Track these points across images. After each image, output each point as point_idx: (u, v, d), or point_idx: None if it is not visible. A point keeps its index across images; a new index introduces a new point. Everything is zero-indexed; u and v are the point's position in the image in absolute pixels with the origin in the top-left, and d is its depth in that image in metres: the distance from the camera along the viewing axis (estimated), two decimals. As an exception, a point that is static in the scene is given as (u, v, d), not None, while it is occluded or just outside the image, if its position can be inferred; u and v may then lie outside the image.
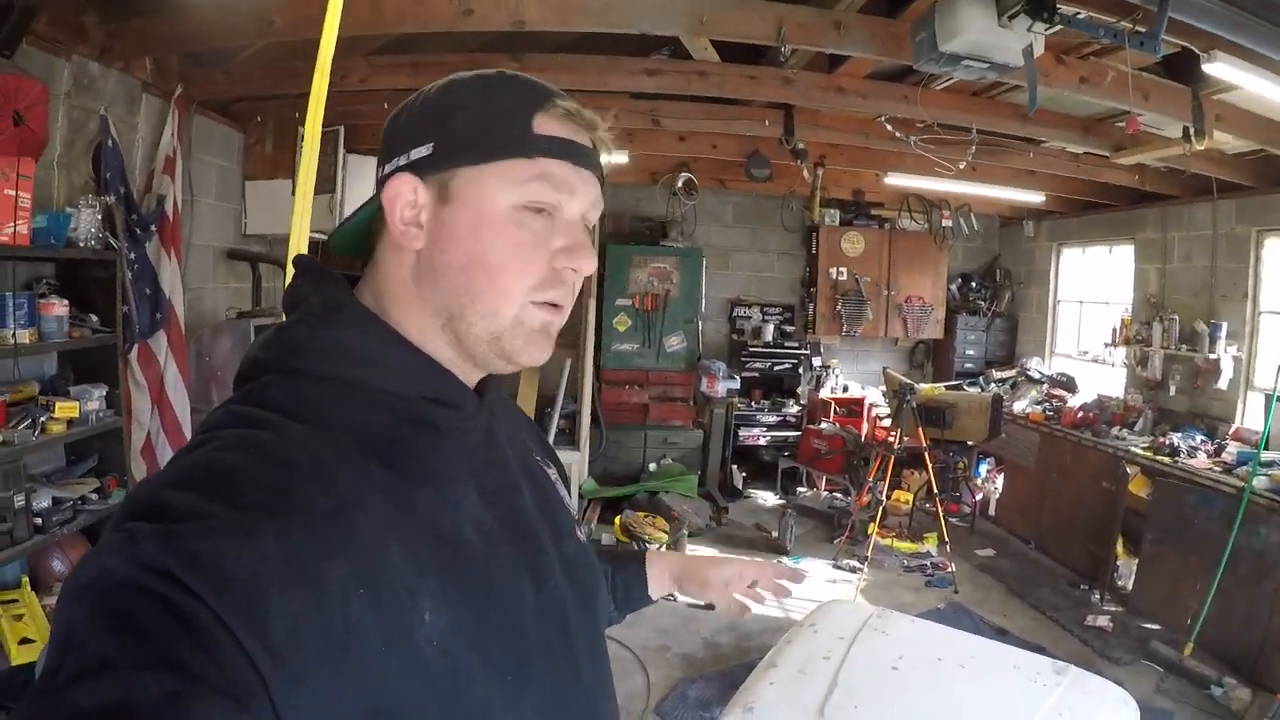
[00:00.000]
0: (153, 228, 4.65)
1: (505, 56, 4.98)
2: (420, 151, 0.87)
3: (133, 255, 4.43)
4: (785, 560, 6.42)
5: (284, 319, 0.91)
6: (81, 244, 3.84)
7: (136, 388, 4.60)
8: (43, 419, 3.61)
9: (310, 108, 2.78)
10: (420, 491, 0.82)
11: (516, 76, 0.92)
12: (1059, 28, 3.32)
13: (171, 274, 4.84)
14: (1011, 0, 3.27)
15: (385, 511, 0.77)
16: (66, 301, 3.76)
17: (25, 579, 3.64)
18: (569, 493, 1.18)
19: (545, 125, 0.88)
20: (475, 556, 0.84)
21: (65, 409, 3.73)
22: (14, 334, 3.40)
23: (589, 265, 0.91)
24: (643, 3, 4.00)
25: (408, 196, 0.87)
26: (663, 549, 5.97)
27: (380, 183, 0.90)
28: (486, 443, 0.95)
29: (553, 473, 1.12)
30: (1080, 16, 3.38)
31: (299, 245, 2.88)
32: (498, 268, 0.86)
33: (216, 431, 0.78)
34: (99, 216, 3.94)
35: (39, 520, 3.58)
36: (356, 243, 0.97)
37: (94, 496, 3.95)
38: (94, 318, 3.99)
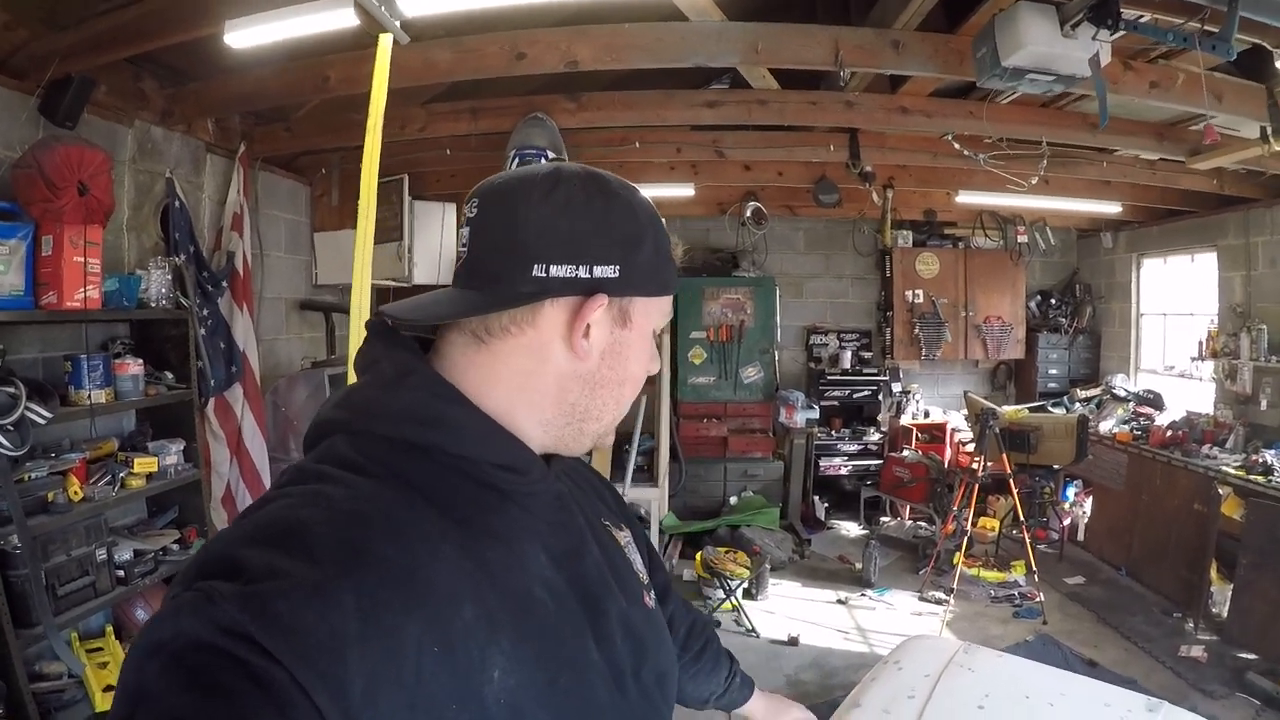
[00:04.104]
0: (224, 283, 4.79)
1: (562, 96, 5.04)
2: (606, 271, 0.87)
3: (205, 311, 4.56)
4: (870, 593, 6.29)
5: (354, 381, 0.93)
6: (153, 304, 3.98)
7: (215, 439, 4.73)
8: (122, 475, 3.74)
9: (365, 166, 2.83)
10: (490, 550, 0.82)
11: (650, 203, 0.95)
12: (1124, 34, 3.20)
13: (245, 327, 4.97)
14: (1074, 8, 3.16)
15: (458, 567, 0.77)
16: (141, 360, 3.89)
17: (109, 628, 3.77)
18: (643, 551, 1.19)
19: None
20: (546, 617, 0.84)
21: (144, 464, 3.85)
22: (89, 394, 3.52)
23: (658, 369, 1.01)
24: (695, 35, 3.98)
25: (597, 315, 0.88)
26: (744, 585, 5.89)
27: (539, 284, 0.85)
28: (554, 507, 0.95)
29: (624, 536, 1.13)
30: (1145, 21, 3.25)
31: (361, 301, 2.92)
32: (639, 383, 0.96)
33: (287, 488, 0.79)
34: (169, 277, 4.08)
35: (121, 572, 3.70)
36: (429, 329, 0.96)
37: (175, 547, 4.05)
38: (169, 375, 4.11)
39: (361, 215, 2.85)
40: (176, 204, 4.39)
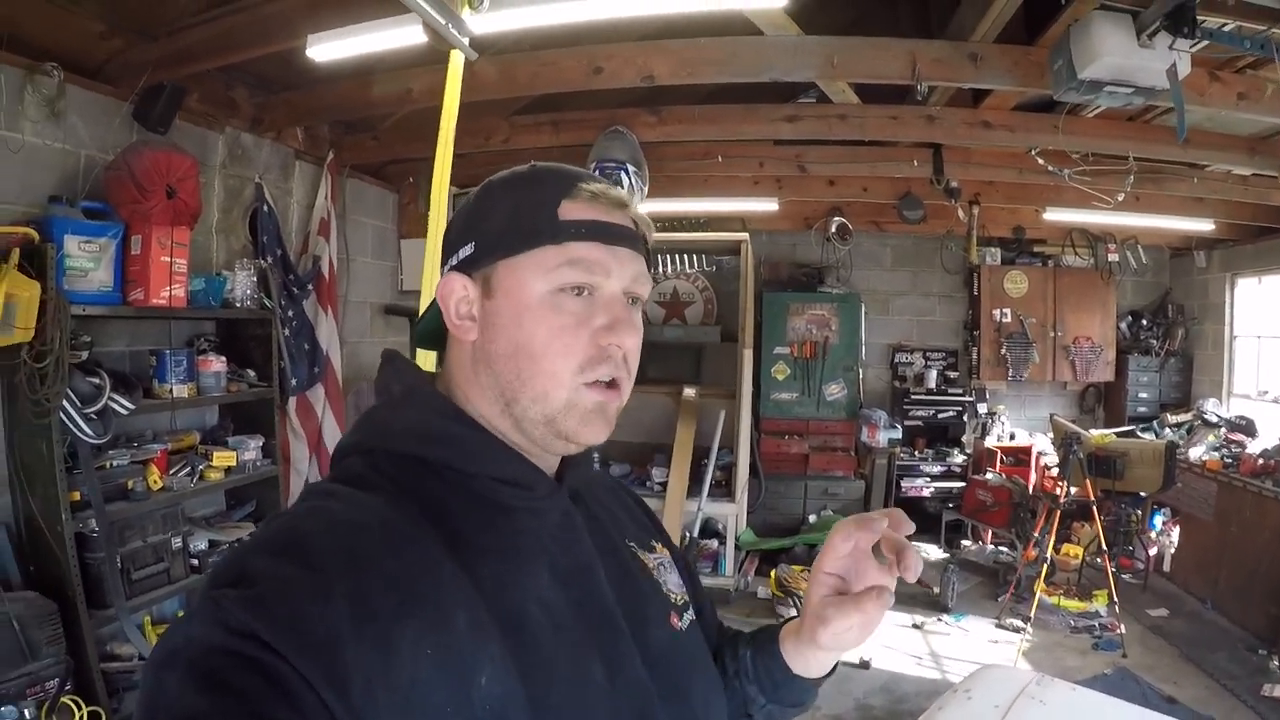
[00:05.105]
0: (309, 286, 4.96)
1: (643, 110, 5.08)
2: (466, 251, 0.93)
3: (290, 313, 4.73)
4: (946, 618, 6.12)
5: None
6: (238, 304, 4.15)
7: (295, 437, 4.89)
8: (201, 467, 3.90)
9: (435, 178, 2.90)
10: (486, 565, 0.84)
11: (548, 169, 0.96)
12: (1203, 43, 3.09)
13: (329, 330, 5.13)
14: (1150, 16, 3.06)
15: (453, 578, 0.79)
16: (224, 358, 4.06)
17: (181, 614, 3.87)
18: (682, 571, 1.12)
19: (573, 211, 0.90)
20: (539, 635, 0.84)
21: (223, 458, 4.02)
22: (172, 388, 3.70)
23: (630, 340, 0.92)
24: (771, 50, 4.00)
25: (459, 293, 0.92)
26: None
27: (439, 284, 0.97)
28: (563, 524, 0.95)
29: (653, 558, 1.09)
30: (1227, 29, 3.13)
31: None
32: (540, 352, 0.89)
33: (296, 505, 0.85)
34: (254, 278, 4.24)
35: (195, 561, 3.86)
36: (433, 339, 1.02)
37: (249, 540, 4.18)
38: (251, 373, 4.27)
39: (432, 226, 2.92)
40: (265, 208, 4.57)
